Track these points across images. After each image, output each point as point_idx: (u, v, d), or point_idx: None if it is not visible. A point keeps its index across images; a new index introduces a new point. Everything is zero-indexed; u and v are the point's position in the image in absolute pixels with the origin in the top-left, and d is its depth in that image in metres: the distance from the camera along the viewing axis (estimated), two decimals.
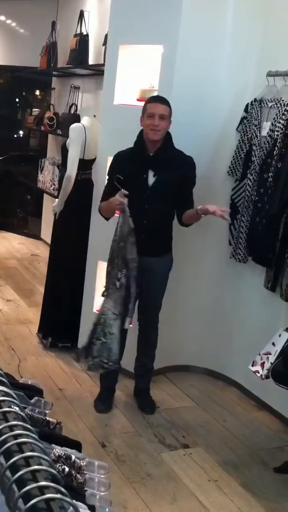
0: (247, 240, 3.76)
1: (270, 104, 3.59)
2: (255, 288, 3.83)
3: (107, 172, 3.53)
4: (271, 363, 3.04)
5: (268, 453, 3.32)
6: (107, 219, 3.54)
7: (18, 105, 8.54)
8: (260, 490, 2.97)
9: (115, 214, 3.40)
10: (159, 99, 3.31)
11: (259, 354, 3.14)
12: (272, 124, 3.52)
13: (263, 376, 3.07)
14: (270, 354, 3.08)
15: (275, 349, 3.07)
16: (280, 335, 3.09)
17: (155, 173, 3.34)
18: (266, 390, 3.73)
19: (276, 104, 3.52)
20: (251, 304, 3.91)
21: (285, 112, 3.41)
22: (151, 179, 3.33)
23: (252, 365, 3.16)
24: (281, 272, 3.51)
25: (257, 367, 3.11)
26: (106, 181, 3.52)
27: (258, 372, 3.10)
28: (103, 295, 3.37)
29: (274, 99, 3.56)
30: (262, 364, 3.09)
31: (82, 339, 4.30)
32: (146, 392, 3.75)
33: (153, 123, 3.25)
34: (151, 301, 3.49)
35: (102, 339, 3.29)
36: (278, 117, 3.47)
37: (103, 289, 3.38)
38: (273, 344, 3.09)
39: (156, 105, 3.27)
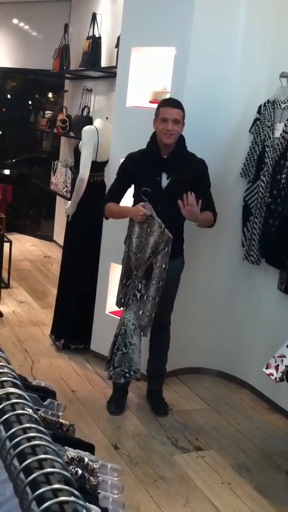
0: (260, 242, 3.74)
1: (283, 106, 3.57)
2: (268, 290, 3.81)
3: (116, 172, 3.53)
4: (285, 365, 3.02)
5: (281, 456, 3.31)
6: (107, 218, 3.57)
7: (31, 107, 8.58)
8: (273, 493, 2.95)
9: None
10: (172, 103, 3.29)
11: (274, 357, 3.12)
12: (286, 126, 3.51)
13: (277, 379, 3.05)
14: (285, 356, 3.06)
15: None
16: None
17: (168, 175, 3.34)
18: (279, 392, 3.71)
19: None
20: (264, 306, 3.89)
21: None
22: (164, 181, 3.33)
23: (266, 368, 3.14)
24: None
25: (272, 370, 3.09)
26: (114, 180, 3.53)
27: (272, 375, 3.08)
28: (121, 306, 3.41)
29: (287, 100, 3.54)
30: (277, 367, 3.07)
31: (95, 341, 4.32)
32: (159, 394, 3.75)
33: (167, 127, 3.24)
34: (164, 303, 3.49)
35: (123, 349, 3.33)
36: None
37: (117, 298, 3.43)
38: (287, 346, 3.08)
39: (169, 109, 3.25)
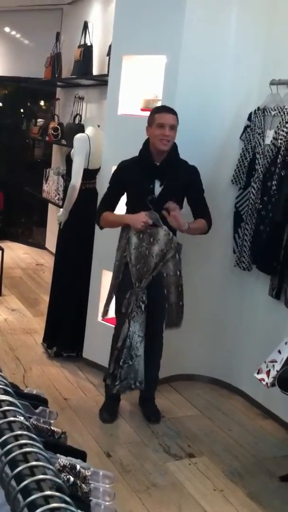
0: (251, 248, 3.76)
1: (273, 113, 3.60)
2: (259, 296, 3.83)
3: (109, 180, 3.53)
4: (277, 371, 3.03)
5: (273, 462, 3.31)
6: (101, 227, 3.55)
7: (22, 115, 8.58)
8: (266, 499, 2.95)
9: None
10: (168, 109, 3.31)
11: (265, 362, 3.13)
12: (276, 133, 3.53)
13: (268, 384, 3.06)
14: (276, 362, 3.07)
15: (281, 356, 3.06)
16: (286, 343, 3.08)
17: (161, 182, 3.34)
18: (271, 398, 3.72)
19: (280, 112, 3.54)
20: (256, 312, 3.90)
21: None
22: (157, 188, 3.34)
23: (258, 373, 3.15)
24: (285, 280, 3.51)
25: (263, 375, 3.10)
26: (107, 189, 3.51)
27: (264, 380, 3.08)
28: (105, 315, 3.43)
29: (277, 108, 3.57)
30: (268, 372, 3.08)
31: (87, 349, 4.31)
32: (151, 401, 3.74)
33: (164, 133, 3.25)
34: (157, 311, 3.49)
35: (129, 362, 3.34)
36: (282, 125, 3.48)
37: (104, 309, 3.47)
38: (279, 351, 3.09)
39: (165, 115, 3.27)
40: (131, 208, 3.36)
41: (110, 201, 3.45)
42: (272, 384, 3.04)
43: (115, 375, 3.37)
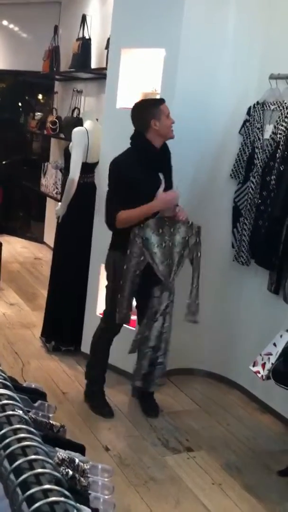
0: (250, 243, 3.75)
1: (272, 107, 3.59)
2: (258, 291, 3.82)
3: (112, 183, 3.34)
4: (272, 363, 3.04)
5: (271, 456, 3.32)
6: (116, 228, 3.35)
7: (20, 109, 8.55)
8: (264, 493, 2.96)
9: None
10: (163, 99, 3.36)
11: (260, 355, 3.14)
12: (275, 127, 3.53)
13: (264, 377, 3.08)
14: (271, 354, 3.08)
15: (276, 349, 3.07)
16: (281, 336, 3.09)
17: (163, 174, 3.38)
18: (269, 393, 3.73)
19: (279, 107, 3.53)
20: (254, 307, 3.90)
21: None
22: (162, 180, 3.37)
23: (253, 366, 3.16)
24: (284, 275, 3.51)
25: (258, 368, 3.11)
26: (111, 191, 3.34)
27: (259, 373, 3.10)
28: (125, 321, 3.45)
29: (276, 102, 3.56)
30: (263, 365, 3.09)
31: (86, 343, 4.31)
32: (150, 396, 3.75)
33: (172, 121, 3.30)
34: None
35: (163, 358, 3.49)
36: (281, 120, 3.47)
37: (121, 314, 3.37)
38: (274, 344, 3.10)
39: (166, 105, 3.32)
40: (138, 204, 3.26)
41: (120, 201, 3.27)
42: (268, 377, 3.05)
43: (149, 373, 3.44)
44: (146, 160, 3.33)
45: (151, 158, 3.34)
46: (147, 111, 3.33)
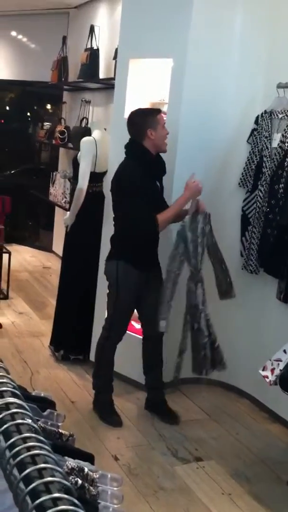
0: (258, 252, 3.75)
1: (280, 116, 3.60)
2: (267, 300, 3.81)
3: (128, 196, 3.35)
4: (280, 370, 3.04)
5: (281, 466, 3.29)
6: (158, 231, 3.40)
7: (29, 119, 8.61)
8: (273, 504, 2.94)
9: None
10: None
11: (270, 360, 3.14)
12: (283, 136, 3.53)
13: (271, 382, 3.08)
14: (281, 361, 3.08)
15: (286, 356, 3.07)
16: None
17: (159, 181, 3.45)
18: (279, 402, 3.70)
19: (287, 115, 3.53)
20: (263, 316, 3.89)
21: None
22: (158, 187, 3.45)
23: (263, 370, 3.16)
24: None
25: (267, 372, 3.11)
26: (135, 200, 3.33)
27: (267, 377, 3.10)
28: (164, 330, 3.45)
29: (284, 111, 3.57)
30: (272, 370, 3.09)
31: (94, 352, 4.30)
32: (165, 403, 3.74)
33: (167, 132, 3.34)
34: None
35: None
36: None
37: (164, 322, 3.41)
38: (285, 351, 3.09)
39: (162, 114, 3.36)
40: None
41: (148, 208, 3.33)
42: (275, 383, 3.05)
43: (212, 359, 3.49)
44: (147, 168, 3.36)
45: (151, 165, 3.38)
46: (143, 120, 3.33)
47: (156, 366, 3.71)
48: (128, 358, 4.10)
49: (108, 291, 3.63)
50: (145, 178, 3.34)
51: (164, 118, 3.41)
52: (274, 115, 3.64)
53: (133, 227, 3.38)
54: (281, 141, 3.54)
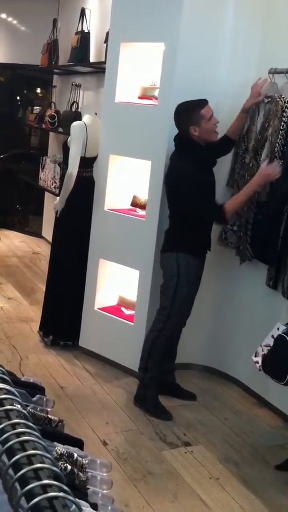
0: (251, 239, 3.74)
1: (266, 100, 3.59)
2: (256, 286, 3.82)
3: (189, 191, 3.31)
4: (262, 355, 3.09)
5: (269, 451, 3.33)
6: (227, 222, 3.52)
7: (19, 103, 8.53)
8: (261, 488, 2.97)
9: None
10: (205, 100, 3.36)
11: (261, 346, 3.18)
12: (265, 121, 3.54)
13: (260, 367, 3.11)
14: (270, 346, 3.11)
15: (274, 341, 3.10)
16: (278, 328, 3.12)
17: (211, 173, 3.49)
18: (267, 387, 3.73)
19: (273, 101, 3.52)
20: (253, 302, 3.90)
21: (286, 109, 3.41)
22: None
23: (255, 356, 3.19)
24: (283, 269, 3.51)
25: (258, 358, 3.15)
26: (199, 196, 3.32)
27: (258, 363, 3.13)
28: None
29: (271, 96, 3.55)
30: (263, 355, 3.12)
31: (84, 337, 4.32)
32: (179, 385, 3.86)
33: (216, 121, 3.36)
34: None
35: None
36: (276, 116, 3.46)
37: None
38: (272, 336, 3.13)
39: (209, 105, 3.34)
40: None
41: (212, 199, 3.43)
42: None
43: None
44: (199, 162, 3.34)
45: (203, 160, 3.38)
46: (185, 118, 3.33)
47: (176, 350, 3.80)
48: (117, 344, 4.12)
49: (163, 284, 3.54)
50: (200, 173, 3.35)
51: (211, 108, 3.34)
52: (263, 100, 3.63)
53: (198, 219, 3.42)
54: (261, 126, 3.57)
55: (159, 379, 3.63)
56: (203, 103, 3.33)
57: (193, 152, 3.36)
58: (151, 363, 3.59)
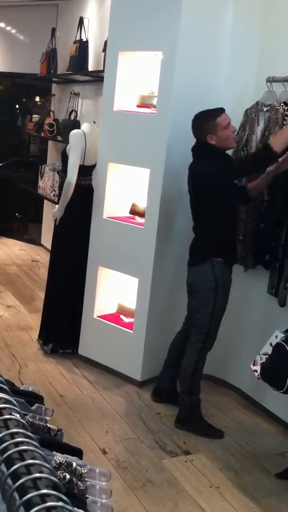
0: (253, 246, 3.73)
1: (265, 109, 3.60)
2: (258, 294, 3.82)
3: (216, 181, 3.27)
4: (261, 363, 3.09)
5: (269, 459, 3.31)
6: (250, 200, 3.54)
7: (18, 111, 8.56)
8: (262, 496, 2.95)
9: None
10: (222, 108, 3.33)
11: (259, 354, 3.17)
12: (265, 129, 3.54)
13: (259, 376, 3.11)
14: (268, 354, 3.10)
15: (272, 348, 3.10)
16: (276, 336, 3.11)
17: None
18: (267, 395, 3.72)
19: (273, 110, 3.53)
20: (254, 310, 3.90)
21: (286, 117, 3.42)
22: None
23: (253, 364, 3.18)
24: (282, 278, 3.51)
25: (257, 367, 3.14)
26: (229, 183, 3.37)
27: (257, 372, 3.13)
28: None
29: (271, 105, 3.57)
30: (262, 364, 3.12)
31: (83, 345, 4.31)
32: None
33: (234, 130, 3.34)
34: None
35: None
36: (275, 123, 3.48)
37: None
38: (271, 344, 3.12)
39: (225, 114, 3.30)
40: (227, 212, 3.41)
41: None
42: None
43: None
44: (225, 159, 3.34)
45: (226, 160, 3.37)
46: (202, 127, 3.30)
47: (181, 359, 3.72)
48: (117, 352, 4.11)
49: (197, 301, 3.44)
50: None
51: (228, 116, 3.30)
52: (261, 108, 3.64)
53: (227, 203, 3.42)
54: (261, 134, 3.57)
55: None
56: (219, 111, 3.30)
57: (216, 155, 3.30)
58: (196, 385, 3.52)
